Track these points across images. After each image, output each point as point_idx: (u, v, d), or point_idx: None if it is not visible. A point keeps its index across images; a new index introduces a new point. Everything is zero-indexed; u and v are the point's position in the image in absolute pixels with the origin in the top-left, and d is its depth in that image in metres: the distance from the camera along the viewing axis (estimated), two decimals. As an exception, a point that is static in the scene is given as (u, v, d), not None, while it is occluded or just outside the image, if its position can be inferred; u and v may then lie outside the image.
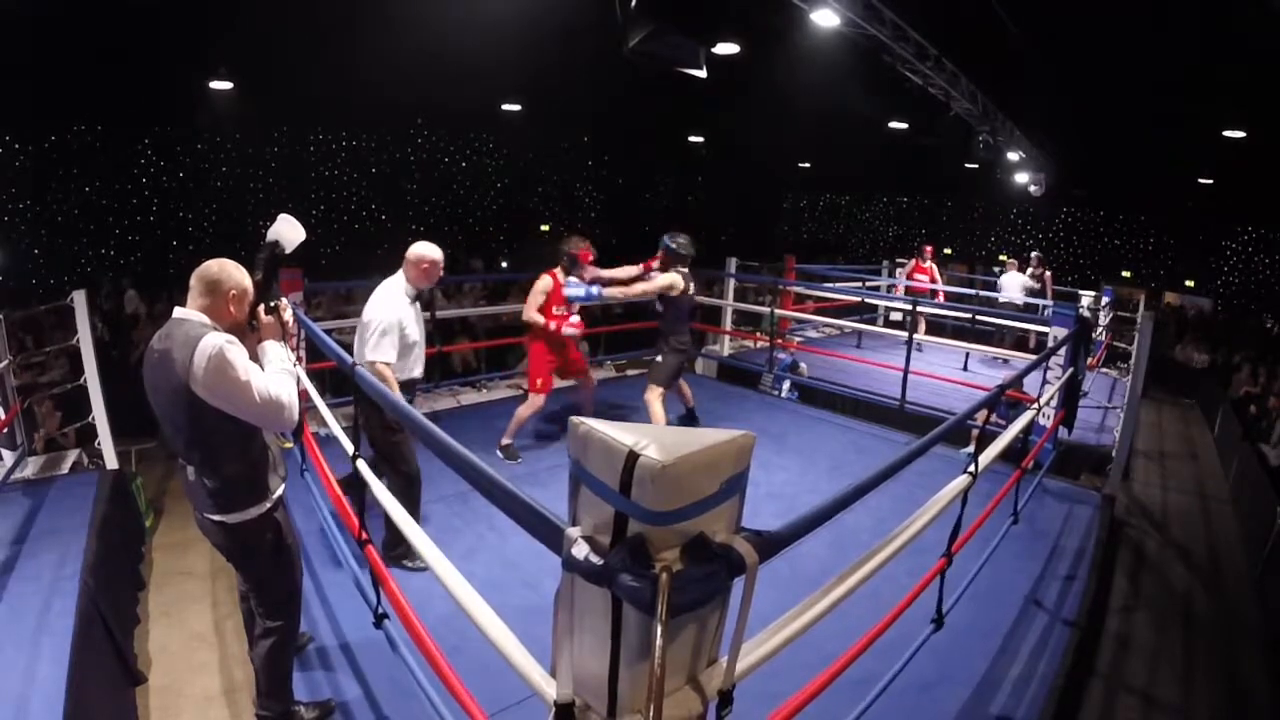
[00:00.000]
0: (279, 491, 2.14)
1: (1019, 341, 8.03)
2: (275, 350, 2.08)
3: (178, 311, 1.97)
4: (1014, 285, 8.53)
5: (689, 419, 5.15)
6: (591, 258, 4.38)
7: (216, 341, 1.83)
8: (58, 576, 2.83)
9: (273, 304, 2.12)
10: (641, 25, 4.01)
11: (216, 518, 2.01)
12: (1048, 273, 8.96)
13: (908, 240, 19.53)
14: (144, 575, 3.67)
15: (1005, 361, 7.29)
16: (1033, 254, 9.30)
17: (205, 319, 1.94)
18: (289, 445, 2.29)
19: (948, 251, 18.52)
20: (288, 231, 2.25)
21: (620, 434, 1.05)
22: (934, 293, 8.79)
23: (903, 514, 2.06)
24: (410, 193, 14.69)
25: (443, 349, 5.82)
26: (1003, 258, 17.62)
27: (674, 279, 4.42)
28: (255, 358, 2.03)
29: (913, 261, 9.09)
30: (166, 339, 1.89)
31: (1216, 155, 11.10)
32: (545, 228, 16.87)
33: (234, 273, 2.01)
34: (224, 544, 2.08)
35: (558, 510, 1.23)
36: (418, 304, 3.27)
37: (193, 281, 1.98)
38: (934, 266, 9.04)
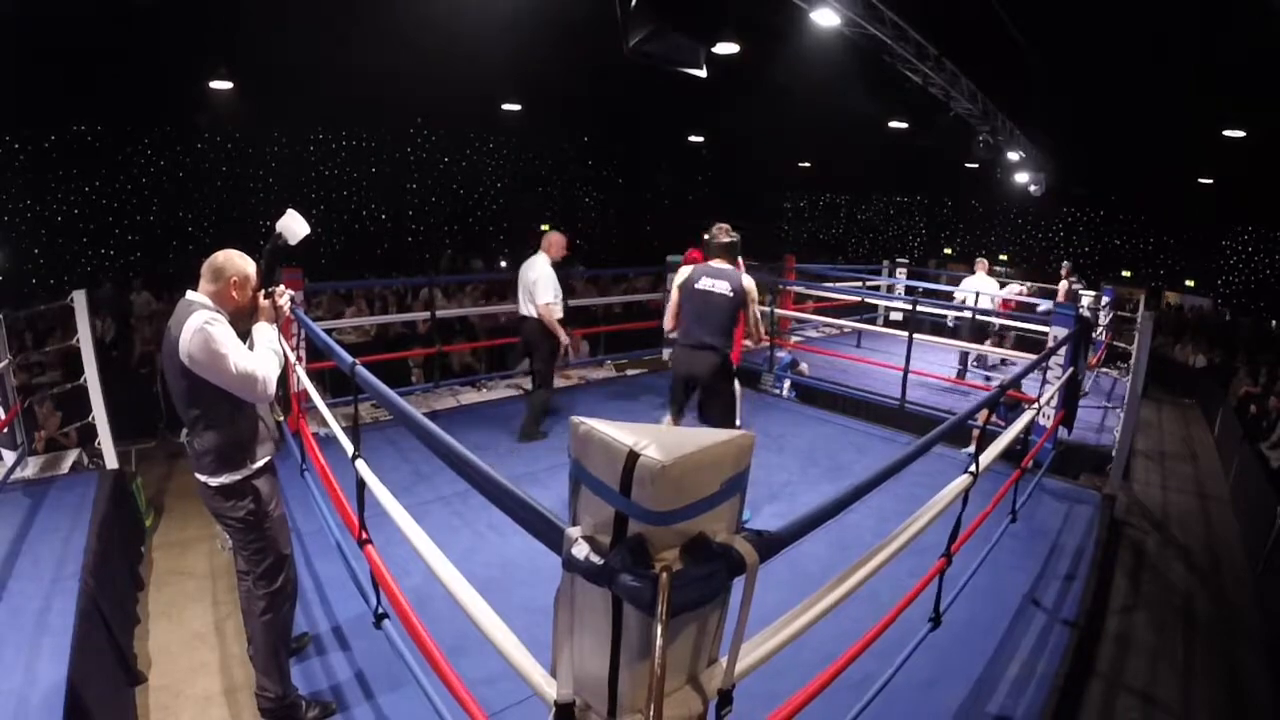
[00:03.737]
0: (263, 461, 2.27)
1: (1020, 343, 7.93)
2: (263, 331, 2.28)
3: (187, 294, 2.18)
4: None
5: None
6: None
7: (202, 318, 2.05)
8: (58, 576, 2.83)
9: (269, 290, 2.31)
10: (641, 25, 4.00)
11: (203, 478, 2.21)
12: (1066, 281, 8.81)
13: (908, 240, 19.54)
14: (144, 575, 3.67)
15: (1002, 363, 7.28)
16: (1063, 264, 9.14)
17: (208, 301, 2.15)
18: (280, 418, 2.42)
19: (948, 251, 18.54)
20: (293, 225, 2.41)
21: (620, 434, 1.05)
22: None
23: (903, 514, 2.05)
24: (410, 193, 14.69)
25: (443, 349, 5.82)
26: (1003, 257, 17.68)
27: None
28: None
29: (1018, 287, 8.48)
30: (173, 318, 2.12)
31: (1216, 155, 11.09)
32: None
33: (237, 261, 2.22)
34: (209, 503, 2.25)
35: (558, 510, 1.23)
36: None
37: (203, 268, 2.21)
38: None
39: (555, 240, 4.79)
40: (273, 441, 2.33)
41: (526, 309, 4.76)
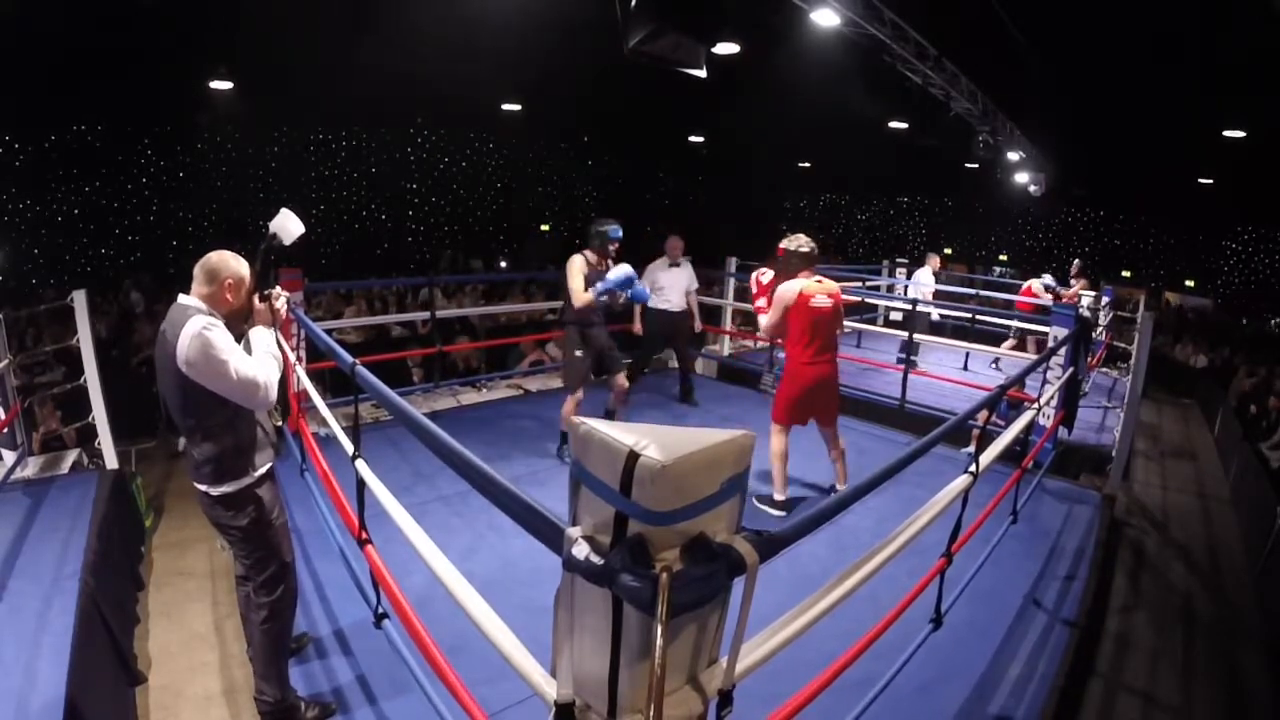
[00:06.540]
0: (263, 469, 2.23)
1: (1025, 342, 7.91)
2: (261, 335, 2.25)
3: (180, 298, 2.12)
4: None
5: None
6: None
7: (200, 323, 2.00)
8: (58, 576, 2.83)
9: (265, 292, 2.28)
10: (641, 25, 4.01)
11: (202, 487, 2.16)
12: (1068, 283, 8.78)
13: (908, 240, 19.53)
14: (144, 575, 3.66)
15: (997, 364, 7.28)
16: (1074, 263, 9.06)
17: (201, 305, 2.10)
18: (278, 422, 2.41)
19: (948, 251, 18.53)
20: (287, 224, 2.39)
21: (621, 434, 1.05)
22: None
23: (903, 514, 2.05)
24: (410, 193, 14.69)
25: (443, 349, 5.82)
26: (1003, 257, 17.69)
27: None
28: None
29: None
30: (168, 322, 2.06)
31: (1216, 155, 11.09)
32: (545, 227, 16.87)
33: (231, 263, 2.17)
34: (210, 513, 2.22)
35: (558, 510, 1.23)
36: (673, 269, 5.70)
37: (196, 270, 2.15)
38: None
39: (669, 244, 5.73)
40: (272, 447, 2.29)
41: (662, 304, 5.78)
